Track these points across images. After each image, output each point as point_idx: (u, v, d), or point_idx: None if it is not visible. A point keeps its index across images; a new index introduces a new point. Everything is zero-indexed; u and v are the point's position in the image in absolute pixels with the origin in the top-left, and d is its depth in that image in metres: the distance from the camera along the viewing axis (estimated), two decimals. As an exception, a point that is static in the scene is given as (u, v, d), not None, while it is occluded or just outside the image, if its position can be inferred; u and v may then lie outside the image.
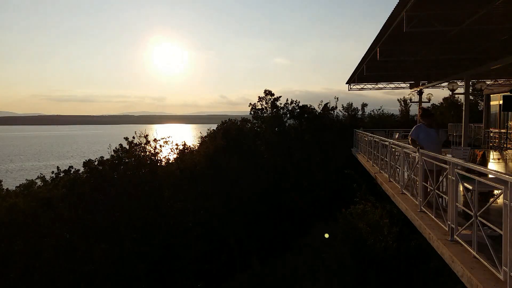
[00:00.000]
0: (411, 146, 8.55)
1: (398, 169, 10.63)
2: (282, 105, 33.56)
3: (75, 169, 26.31)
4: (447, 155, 7.25)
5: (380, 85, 25.19)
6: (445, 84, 19.18)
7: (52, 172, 26.58)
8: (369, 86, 25.14)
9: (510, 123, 20.51)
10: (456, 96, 29.15)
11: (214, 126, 33.92)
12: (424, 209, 7.62)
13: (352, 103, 36.67)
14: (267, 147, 30.28)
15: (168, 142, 28.96)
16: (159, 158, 28.35)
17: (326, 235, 25.17)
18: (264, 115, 33.35)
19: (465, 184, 5.97)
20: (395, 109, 39.15)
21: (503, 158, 15.72)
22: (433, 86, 21.53)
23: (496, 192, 6.31)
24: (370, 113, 36.88)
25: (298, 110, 33.53)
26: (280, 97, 33.59)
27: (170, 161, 28.80)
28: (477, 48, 12.48)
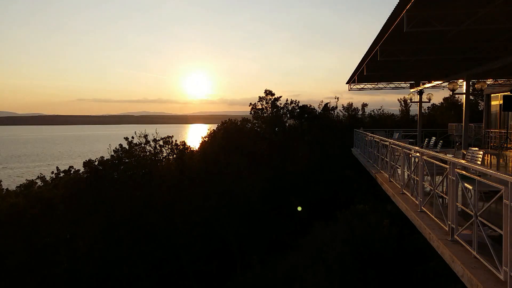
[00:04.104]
0: (411, 146, 8.54)
1: (398, 169, 10.64)
2: (282, 105, 33.58)
3: (75, 169, 26.33)
4: (447, 155, 7.24)
5: (380, 85, 25.17)
6: (445, 84, 19.16)
7: (52, 172, 26.60)
8: (369, 86, 25.12)
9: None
10: (456, 96, 29.16)
11: (214, 126, 33.95)
12: (424, 209, 7.62)
13: (352, 103, 36.73)
14: (267, 147, 30.28)
15: (168, 142, 28.96)
16: (159, 158, 28.36)
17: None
18: (264, 115, 33.37)
19: (465, 184, 5.97)
20: (395, 109, 39.17)
21: (503, 158, 15.72)
22: (433, 86, 21.51)
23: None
24: (370, 113, 36.90)
25: (298, 110, 33.55)
26: (280, 97, 33.62)
27: (170, 161, 28.79)
28: (477, 48, 12.47)
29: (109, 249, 22.45)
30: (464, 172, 5.88)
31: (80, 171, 25.91)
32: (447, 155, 6.93)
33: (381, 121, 34.40)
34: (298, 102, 33.81)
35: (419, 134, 21.65)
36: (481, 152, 9.32)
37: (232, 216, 25.61)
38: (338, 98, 36.06)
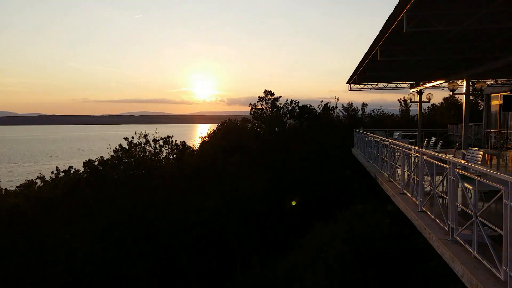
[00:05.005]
0: (411, 146, 8.51)
1: (398, 169, 10.63)
2: (282, 105, 33.59)
3: (75, 169, 26.32)
4: (447, 155, 7.25)
5: (380, 85, 25.17)
6: (445, 84, 19.16)
7: (52, 172, 26.57)
8: (369, 86, 25.13)
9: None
10: (456, 96, 29.15)
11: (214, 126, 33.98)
12: (424, 209, 7.62)
13: (352, 103, 36.78)
14: (267, 147, 30.29)
15: (168, 142, 28.97)
16: (159, 158, 28.37)
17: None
18: (264, 115, 33.38)
19: (465, 184, 5.97)
20: (395, 109, 39.24)
21: (503, 158, 15.71)
22: (433, 86, 21.52)
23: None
24: (370, 113, 36.92)
25: (298, 110, 33.56)
26: (280, 97, 33.63)
27: (170, 161, 28.80)
28: (477, 48, 12.47)
29: (109, 249, 22.44)
30: (464, 172, 5.88)
31: (80, 171, 25.91)
32: (447, 155, 6.94)
33: (381, 121, 34.43)
34: (298, 102, 33.84)
35: (419, 134, 21.65)
36: (481, 152, 9.32)
37: (232, 216, 25.61)
38: (338, 98, 36.13)
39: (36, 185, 25.55)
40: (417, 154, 8.22)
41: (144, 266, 23.16)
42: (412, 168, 8.77)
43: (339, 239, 16.64)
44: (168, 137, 29.25)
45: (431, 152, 7.81)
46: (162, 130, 31.72)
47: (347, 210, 18.70)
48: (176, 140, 29.55)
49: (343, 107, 36.44)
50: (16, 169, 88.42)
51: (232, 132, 30.98)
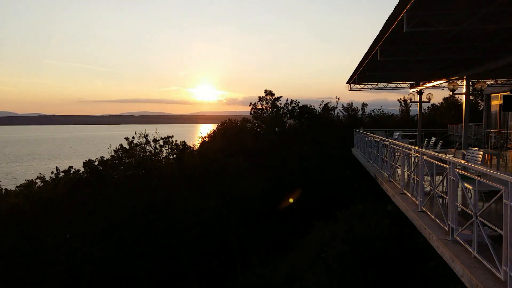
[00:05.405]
0: (411, 146, 8.51)
1: (398, 169, 10.64)
2: (282, 105, 33.60)
3: (75, 169, 26.31)
4: (448, 155, 7.25)
5: (380, 85, 25.18)
6: (445, 84, 19.16)
7: (52, 173, 26.56)
8: (369, 86, 25.14)
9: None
10: (456, 96, 29.16)
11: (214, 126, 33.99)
12: (424, 209, 7.62)
13: (352, 103, 36.80)
14: (267, 147, 30.29)
15: (168, 142, 28.98)
16: (159, 158, 28.37)
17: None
18: (264, 115, 33.40)
19: (465, 184, 5.97)
20: (395, 109, 39.27)
21: (503, 158, 15.71)
22: (433, 86, 21.52)
23: None
24: (370, 113, 36.93)
25: (298, 110, 33.57)
26: (280, 97, 33.64)
27: (170, 161, 28.80)
28: (477, 48, 12.48)
29: (109, 249, 22.44)
30: (464, 172, 5.88)
31: (80, 171, 25.90)
32: (447, 155, 6.93)
33: (381, 121, 34.43)
34: (298, 102, 33.84)
35: (419, 134, 21.64)
36: (481, 152, 9.32)
37: (232, 216, 25.61)
38: (338, 98, 36.15)
39: (36, 185, 25.52)
40: (417, 154, 8.22)
41: (144, 266, 23.16)
42: (412, 168, 8.77)
43: (339, 239, 16.64)
44: (168, 137, 29.23)
45: (431, 152, 7.81)
46: (162, 130, 31.71)
47: (347, 210, 18.71)
48: (176, 140, 29.54)
49: (343, 107, 36.48)
50: (16, 169, 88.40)
51: (232, 132, 30.99)
